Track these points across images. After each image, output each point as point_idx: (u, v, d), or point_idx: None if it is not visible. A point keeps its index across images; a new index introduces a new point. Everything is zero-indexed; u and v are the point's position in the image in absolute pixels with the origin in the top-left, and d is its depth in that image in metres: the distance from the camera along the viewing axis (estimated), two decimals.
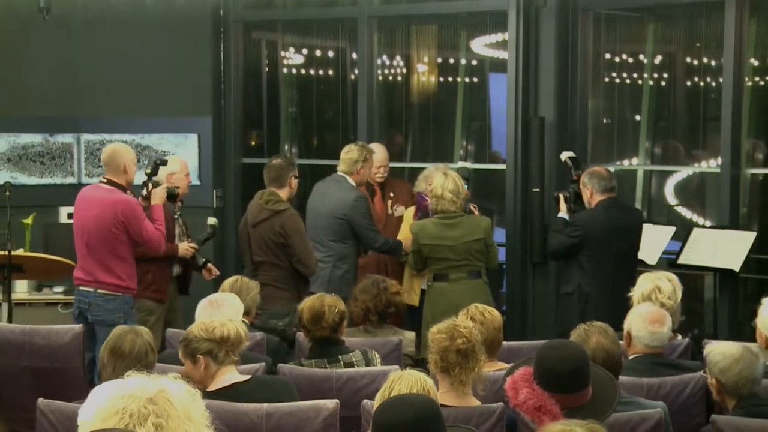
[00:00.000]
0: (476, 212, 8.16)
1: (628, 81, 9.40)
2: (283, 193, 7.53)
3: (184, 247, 7.71)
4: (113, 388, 2.48)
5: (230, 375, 4.93)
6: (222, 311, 5.67)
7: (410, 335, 6.59)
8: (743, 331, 7.97)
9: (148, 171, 7.46)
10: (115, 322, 6.76)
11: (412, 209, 8.37)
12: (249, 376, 4.98)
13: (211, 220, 8.07)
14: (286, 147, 10.55)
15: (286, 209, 7.47)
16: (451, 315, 7.05)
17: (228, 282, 6.38)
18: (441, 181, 7.54)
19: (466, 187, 7.67)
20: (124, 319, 6.92)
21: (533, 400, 3.86)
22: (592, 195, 7.56)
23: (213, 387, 4.89)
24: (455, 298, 7.29)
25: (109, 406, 2.43)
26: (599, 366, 4.25)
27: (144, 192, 7.34)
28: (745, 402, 4.83)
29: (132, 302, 7.15)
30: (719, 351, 4.91)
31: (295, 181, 7.64)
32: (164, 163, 7.65)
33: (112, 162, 7.09)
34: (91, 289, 7.07)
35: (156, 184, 7.40)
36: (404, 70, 10.08)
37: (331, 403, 4.76)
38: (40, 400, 4.85)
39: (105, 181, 7.13)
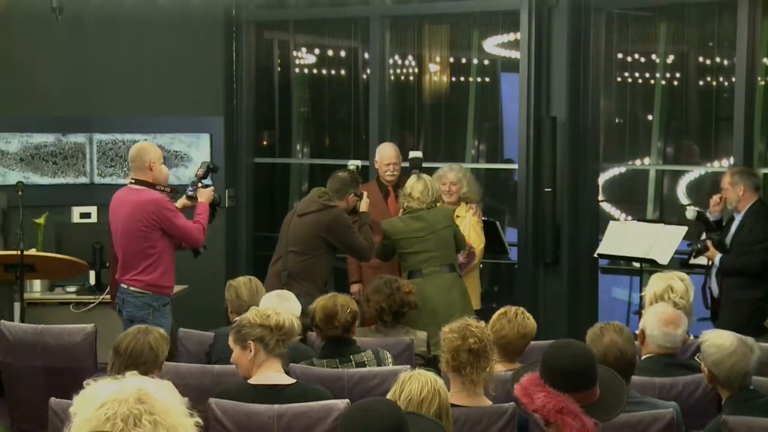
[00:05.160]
0: (476, 213, 8.21)
1: (640, 80, 9.37)
2: (339, 204, 7.56)
3: None
4: (88, 398, 2.46)
5: (276, 373, 4.90)
6: (288, 305, 5.76)
7: (422, 335, 6.58)
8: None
9: (200, 173, 7.49)
10: (144, 318, 6.85)
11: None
12: (294, 381, 4.96)
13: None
14: (298, 147, 10.55)
15: (336, 206, 7.50)
16: (427, 312, 7.14)
17: (241, 281, 6.35)
18: (413, 182, 7.70)
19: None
20: (154, 315, 6.96)
21: (552, 402, 3.82)
22: (744, 194, 7.63)
23: (256, 379, 4.88)
24: (430, 294, 7.35)
25: (94, 416, 2.40)
26: (602, 365, 4.23)
27: (190, 190, 7.38)
28: (738, 395, 4.80)
29: (166, 300, 7.16)
30: (714, 343, 4.88)
31: (353, 199, 7.67)
32: (215, 169, 7.68)
33: (137, 160, 7.11)
34: (125, 286, 7.12)
35: (205, 186, 7.46)
36: (416, 70, 10.07)
37: (342, 403, 4.74)
38: (52, 400, 4.84)
39: (133, 181, 7.15)
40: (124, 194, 7.17)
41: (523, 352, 5.56)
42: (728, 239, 7.74)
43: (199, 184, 7.42)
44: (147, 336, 4.93)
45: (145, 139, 9.65)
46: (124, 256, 7.14)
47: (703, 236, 7.85)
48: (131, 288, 7.09)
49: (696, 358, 5.05)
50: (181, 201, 7.40)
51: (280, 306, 5.62)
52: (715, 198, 7.86)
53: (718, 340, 4.88)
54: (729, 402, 4.80)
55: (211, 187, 7.53)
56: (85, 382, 2.52)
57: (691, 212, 7.97)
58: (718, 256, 7.71)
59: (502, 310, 5.56)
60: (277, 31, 10.60)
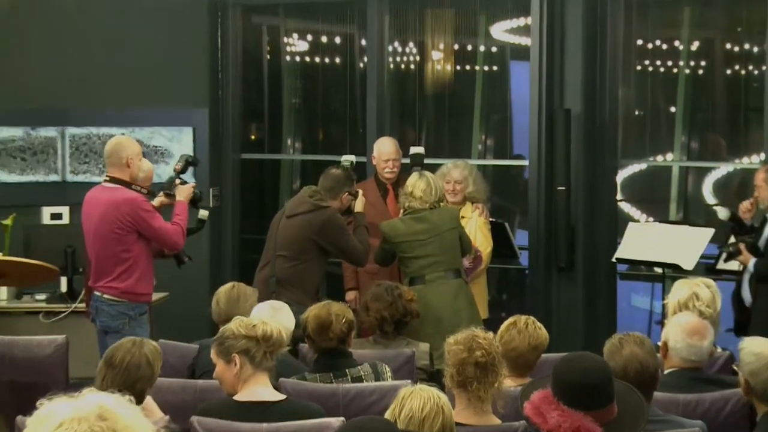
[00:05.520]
0: (482, 214, 8.20)
1: (662, 69, 9.36)
2: (333, 203, 7.55)
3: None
4: (44, 419, 2.44)
5: (263, 387, 4.88)
6: (282, 317, 5.78)
7: (424, 346, 6.56)
8: None
9: (178, 167, 7.49)
10: (119, 328, 6.88)
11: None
12: (283, 397, 4.93)
13: (202, 213, 7.95)
14: (289, 141, 10.53)
15: (329, 207, 7.49)
16: (430, 322, 7.14)
17: (223, 288, 6.34)
18: (414, 180, 7.69)
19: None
20: (130, 325, 6.94)
21: (568, 422, 3.80)
22: None
23: (242, 396, 4.85)
24: (434, 301, 7.35)
25: None
26: (619, 380, 4.21)
27: (167, 187, 7.36)
28: None
29: (143, 309, 7.15)
30: (752, 351, 4.86)
31: (347, 198, 7.66)
32: (195, 162, 7.67)
33: (113, 155, 7.10)
34: (99, 294, 7.11)
35: (184, 182, 7.43)
36: (418, 58, 10.05)
37: (336, 422, 4.72)
38: (19, 418, 4.81)
39: (108, 179, 7.13)
40: (97, 193, 7.16)
41: (535, 365, 5.54)
42: (762, 242, 7.71)
43: (178, 181, 7.39)
44: (142, 349, 4.91)
45: (122, 133, 9.63)
46: (96, 261, 7.12)
47: (732, 239, 7.81)
48: (105, 296, 7.08)
49: (734, 366, 5.03)
50: (158, 199, 7.38)
51: (274, 318, 5.60)
52: (746, 204, 7.79)
53: (757, 348, 4.87)
54: (765, 419, 4.77)
55: (191, 184, 7.50)
56: (38, 402, 2.50)
57: (723, 212, 7.93)
58: (752, 261, 7.67)
59: (511, 319, 5.55)
60: (266, 15, 10.58)
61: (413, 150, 8.44)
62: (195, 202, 7.52)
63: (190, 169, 8.83)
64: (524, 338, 5.43)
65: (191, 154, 7.91)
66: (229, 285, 6.42)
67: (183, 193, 7.38)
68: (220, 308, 6.18)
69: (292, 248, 7.45)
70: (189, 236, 7.80)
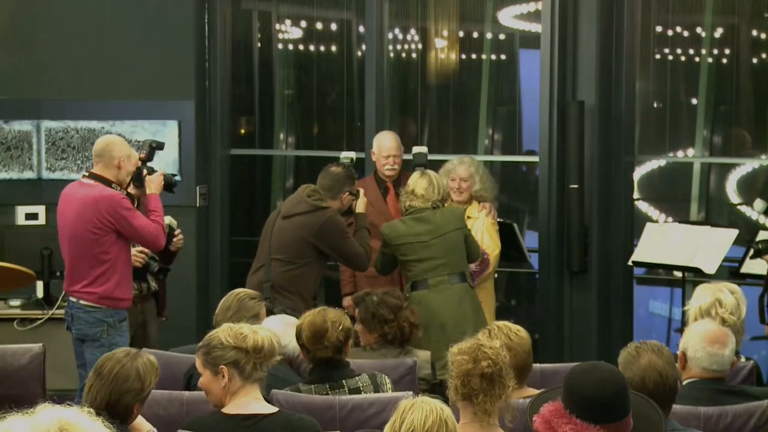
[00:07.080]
0: (489, 214, 8.23)
1: (683, 58, 9.38)
2: (332, 204, 7.57)
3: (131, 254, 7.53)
4: None
5: (253, 400, 4.89)
6: (293, 333, 5.82)
7: (425, 355, 6.58)
8: None
9: (143, 156, 7.51)
10: (96, 336, 6.96)
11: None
12: (276, 409, 4.95)
13: (166, 219, 7.92)
14: (282, 136, 10.54)
15: (328, 207, 7.52)
16: (434, 329, 7.18)
17: (230, 297, 6.34)
18: (415, 178, 7.79)
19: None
20: (108, 334, 6.98)
21: None
22: None
23: (231, 408, 4.87)
24: (437, 308, 7.42)
25: None
26: (634, 392, 4.24)
27: (136, 180, 7.37)
28: None
29: (122, 315, 7.18)
30: None
31: (348, 198, 7.68)
32: (160, 146, 7.70)
33: (105, 154, 7.14)
34: (74, 299, 7.13)
35: (151, 171, 7.44)
36: (420, 46, 10.07)
37: None
38: None
39: (88, 174, 7.17)
40: (73, 189, 7.19)
41: (532, 365, 5.61)
42: None
43: (145, 171, 7.39)
44: (135, 361, 4.93)
45: (102, 128, 9.66)
46: (71, 263, 7.14)
47: (761, 235, 7.83)
48: (81, 301, 7.10)
49: None
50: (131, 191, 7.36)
51: (286, 334, 5.64)
52: None
53: None
54: None
55: (159, 171, 7.50)
56: None
57: (759, 204, 7.95)
58: None
59: (484, 336, 5.47)
60: (257, 0, 10.59)
61: (415, 150, 8.46)
62: (170, 188, 7.55)
63: (175, 165, 8.91)
64: (517, 353, 5.43)
65: (154, 138, 7.87)
66: (233, 294, 6.40)
67: (154, 184, 7.38)
68: (225, 317, 6.14)
69: (287, 251, 7.48)
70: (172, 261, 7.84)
